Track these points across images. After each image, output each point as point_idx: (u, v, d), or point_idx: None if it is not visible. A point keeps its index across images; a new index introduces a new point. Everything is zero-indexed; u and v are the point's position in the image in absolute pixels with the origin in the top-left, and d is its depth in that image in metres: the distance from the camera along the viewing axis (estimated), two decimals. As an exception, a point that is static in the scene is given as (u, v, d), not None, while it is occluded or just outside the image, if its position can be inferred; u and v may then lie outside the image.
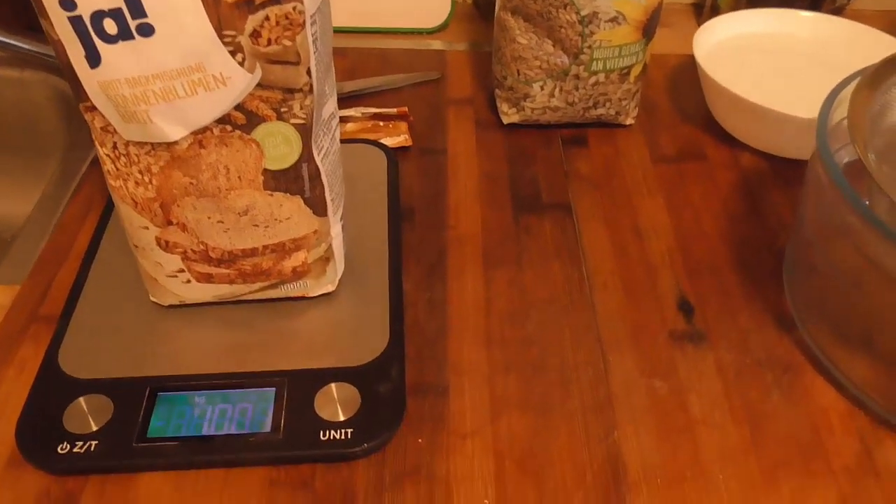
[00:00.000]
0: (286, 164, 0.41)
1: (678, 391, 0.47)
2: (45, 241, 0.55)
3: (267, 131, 0.40)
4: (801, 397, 0.46)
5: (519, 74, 0.62)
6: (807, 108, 0.56)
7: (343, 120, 0.63)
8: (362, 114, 0.63)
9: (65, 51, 0.36)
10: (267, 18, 0.36)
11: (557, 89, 0.62)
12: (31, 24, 0.73)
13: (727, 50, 0.67)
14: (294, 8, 0.36)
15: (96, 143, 0.41)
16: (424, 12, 0.79)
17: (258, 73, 0.37)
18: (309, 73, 0.39)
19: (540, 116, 0.64)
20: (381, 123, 0.64)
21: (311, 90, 0.39)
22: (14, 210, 0.77)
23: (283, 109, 0.39)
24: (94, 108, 0.38)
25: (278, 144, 0.40)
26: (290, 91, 0.39)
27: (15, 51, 0.68)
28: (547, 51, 0.60)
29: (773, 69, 0.66)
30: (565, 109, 0.63)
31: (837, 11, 0.83)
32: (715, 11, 0.81)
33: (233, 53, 0.36)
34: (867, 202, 0.42)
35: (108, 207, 0.55)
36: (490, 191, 0.60)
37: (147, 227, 0.43)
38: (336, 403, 0.43)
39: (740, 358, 0.48)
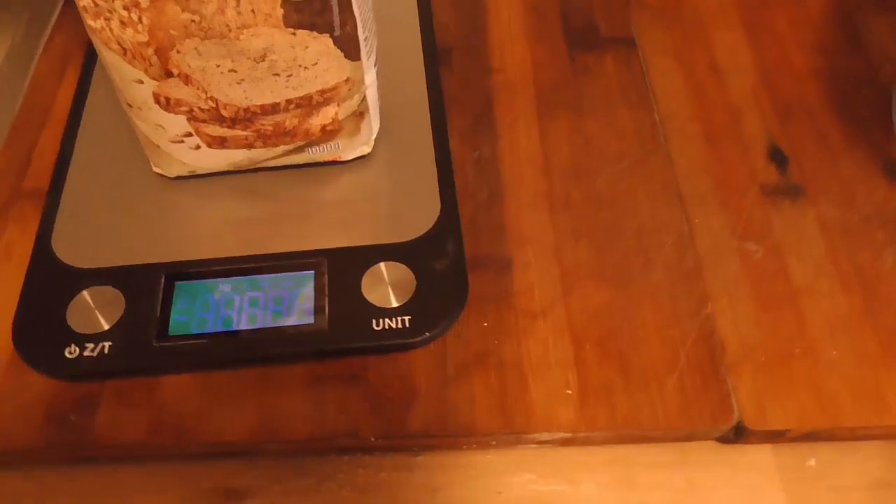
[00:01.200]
0: (311, -7, 0.33)
1: (776, 255, 0.40)
2: (19, 102, 0.47)
3: (285, -53, 0.31)
4: (918, 257, 0.40)
5: None
6: None
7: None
8: (380, -64, 0.53)
9: None
10: None
11: None
12: None
13: None
14: None
15: (66, -28, 0.32)
16: None
17: None
18: None
19: (592, -67, 0.54)
20: (404, -52, 0.53)
21: None
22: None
23: (305, -83, 0.30)
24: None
25: (300, -36, 0.32)
26: None
27: None
28: None
29: None
30: (622, -78, 0.53)
31: None
32: None
33: None
34: None
35: (90, 57, 0.46)
36: (538, 24, 0.50)
37: (142, 81, 0.35)
38: (387, 285, 0.36)
39: (846, 214, 0.42)
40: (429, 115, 0.44)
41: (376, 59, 0.39)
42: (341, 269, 0.37)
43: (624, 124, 0.45)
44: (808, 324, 0.38)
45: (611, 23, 0.51)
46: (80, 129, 0.43)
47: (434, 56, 0.47)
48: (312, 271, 0.36)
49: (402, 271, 0.36)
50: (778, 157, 0.44)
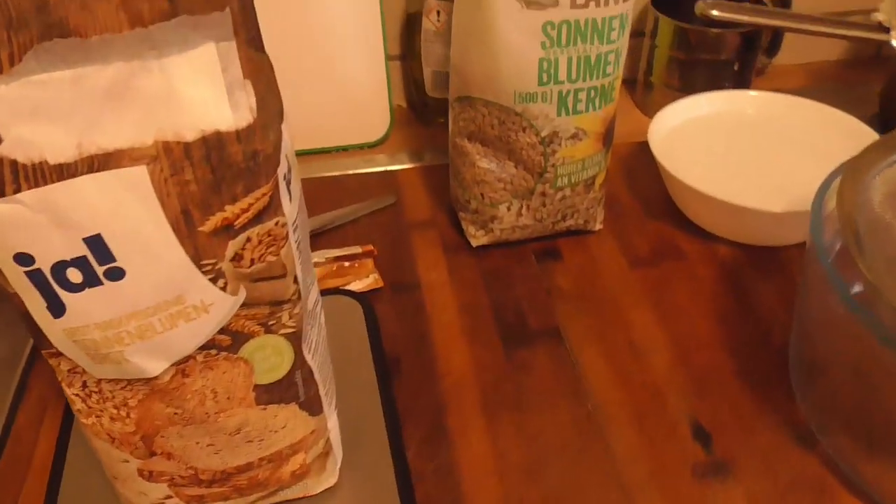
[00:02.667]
0: (279, 376, 0.38)
1: (716, 535, 0.44)
2: (-4, 457, 0.49)
3: (255, 346, 0.36)
4: (839, 520, 0.45)
5: (483, 198, 0.60)
6: (775, 195, 0.56)
7: (306, 267, 0.59)
8: (326, 258, 0.60)
9: (22, 302, 0.32)
10: (248, 240, 0.32)
11: (525, 208, 0.60)
12: None
13: (681, 138, 0.67)
14: (276, 223, 0.33)
15: (63, 384, 0.36)
16: (365, 125, 0.77)
17: (242, 294, 0.34)
18: (296, 280, 0.35)
19: (509, 235, 0.62)
20: (347, 265, 0.60)
21: (299, 297, 0.36)
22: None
23: (271, 322, 0.36)
24: (59, 354, 0.34)
25: (268, 357, 0.37)
26: (278, 303, 0.35)
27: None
28: (510, 172, 0.58)
29: (730, 153, 0.66)
30: (534, 226, 0.61)
31: (760, 72, 0.85)
32: (649, 87, 0.81)
33: (213, 280, 0.33)
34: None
35: (69, 411, 0.50)
36: (474, 324, 0.57)
37: (128, 461, 0.39)
38: None
39: (769, 486, 0.46)
40: (385, 430, 0.48)
41: (336, 401, 0.44)
42: None
43: (562, 416, 0.50)
44: None
45: (537, 314, 0.57)
46: (63, 482, 0.46)
47: (385, 369, 0.52)
48: None
49: None
50: (701, 435, 0.49)
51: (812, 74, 0.87)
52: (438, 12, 0.73)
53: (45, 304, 0.31)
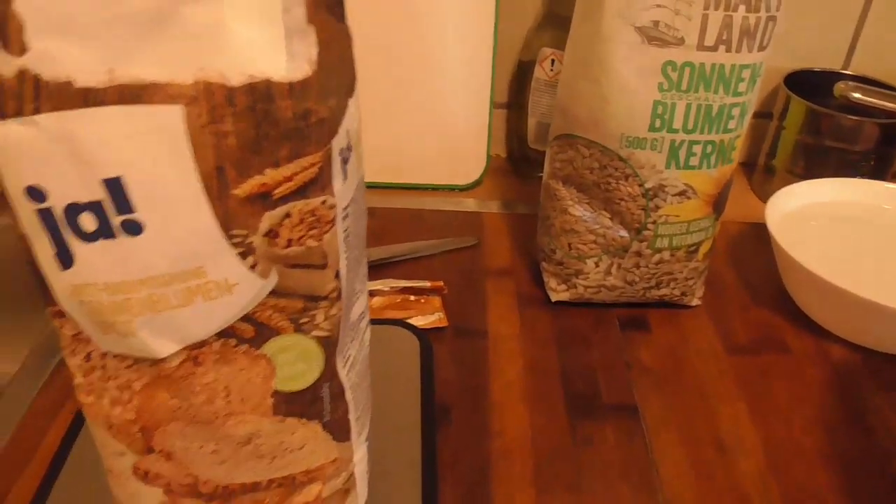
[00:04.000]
0: (303, 385, 0.33)
1: None
2: (8, 436, 0.46)
3: (280, 346, 0.31)
4: None
5: (570, 248, 0.54)
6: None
7: (368, 294, 0.55)
8: (391, 287, 0.56)
9: (31, 247, 0.28)
10: (288, 216, 0.28)
11: (615, 266, 0.54)
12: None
13: (802, 222, 0.60)
14: (323, 202, 0.28)
15: (65, 352, 0.32)
16: (458, 168, 0.73)
17: (273, 279, 0.29)
18: (338, 276, 0.31)
19: (594, 295, 0.56)
20: (412, 298, 0.55)
21: (338, 296, 0.31)
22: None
23: (302, 320, 0.31)
24: (64, 315, 0.30)
25: (294, 361, 0.32)
26: (314, 299, 0.31)
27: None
28: (604, 224, 0.53)
29: (858, 246, 0.58)
30: (623, 289, 0.55)
31: (901, 175, 0.77)
32: (770, 172, 0.75)
33: (242, 256, 0.28)
34: None
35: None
36: (539, 385, 0.50)
37: (123, 454, 0.34)
38: None
39: None
40: (420, 483, 0.42)
41: (368, 433, 0.38)
42: None
43: (625, 504, 0.43)
44: None
45: (612, 387, 0.51)
46: (61, 476, 0.42)
47: (432, 415, 0.46)
48: None
49: None
50: (791, 557, 0.41)
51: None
52: (553, 61, 0.70)
53: (54, 252, 0.28)
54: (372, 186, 0.71)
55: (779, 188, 0.65)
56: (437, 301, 0.56)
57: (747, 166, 0.79)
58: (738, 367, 0.53)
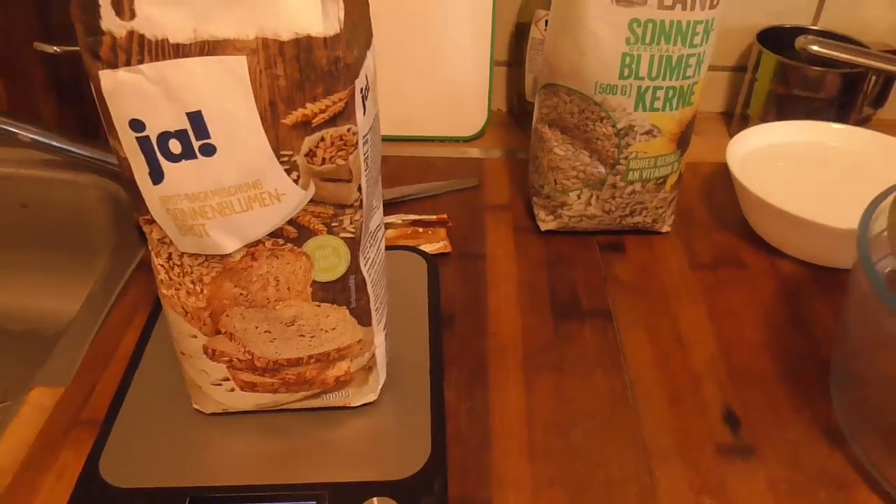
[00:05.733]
0: (335, 276, 0.42)
1: (728, 509, 0.45)
2: (89, 343, 0.56)
3: (317, 244, 0.41)
4: (857, 518, 0.45)
5: (556, 184, 0.63)
6: (843, 217, 0.56)
7: (384, 227, 0.64)
8: (402, 220, 0.65)
9: (130, 167, 0.38)
10: (322, 139, 0.37)
11: (594, 198, 0.63)
12: (90, 131, 0.77)
13: (760, 159, 0.68)
14: (349, 129, 0.38)
15: (152, 253, 0.42)
16: (462, 121, 0.82)
17: (312, 190, 0.39)
18: (360, 189, 0.40)
19: (577, 224, 0.65)
20: (421, 230, 0.65)
21: (360, 205, 0.41)
22: (61, 307, 0.79)
23: (333, 224, 0.40)
24: (153, 221, 0.40)
25: (328, 256, 0.41)
26: (342, 206, 0.40)
27: (71, 156, 0.71)
28: (584, 161, 0.62)
29: (806, 178, 0.67)
30: (602, 217, 0.64)
31: (863, 122, 0.85)
32: (745, 120, 0.83)
33: (288, 171, 0.38)
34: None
35: (155, 311, 0.56)
36: (529, 296, 0.60)
37: (195, 336, 0.44)
38: (378, 518, 0.42)
39: (791, 474, 0.47)
40: (429, 370, 0.51)
41: (386, 323, 0.48)
42: (340, 501, 0.43)
43: (598, 385, 0.53)
44: (756, 575, 0.42)
45: (591, 296, 0.60)
46: (138, 369, 0.52)
47: (439, 320, 0.56)
48: (314, 502, 0.43)
49: (392, 506, 0.42)
50: (731, 420, 0.50)
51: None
52: (546, 22, 0.78)
53: (148, 171, 0.37)
54: (385, 139, 0.79)
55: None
56: (442, 232, 0.65)
57: (726, 115, 0.88)
58: (700, 279, 0.62)
